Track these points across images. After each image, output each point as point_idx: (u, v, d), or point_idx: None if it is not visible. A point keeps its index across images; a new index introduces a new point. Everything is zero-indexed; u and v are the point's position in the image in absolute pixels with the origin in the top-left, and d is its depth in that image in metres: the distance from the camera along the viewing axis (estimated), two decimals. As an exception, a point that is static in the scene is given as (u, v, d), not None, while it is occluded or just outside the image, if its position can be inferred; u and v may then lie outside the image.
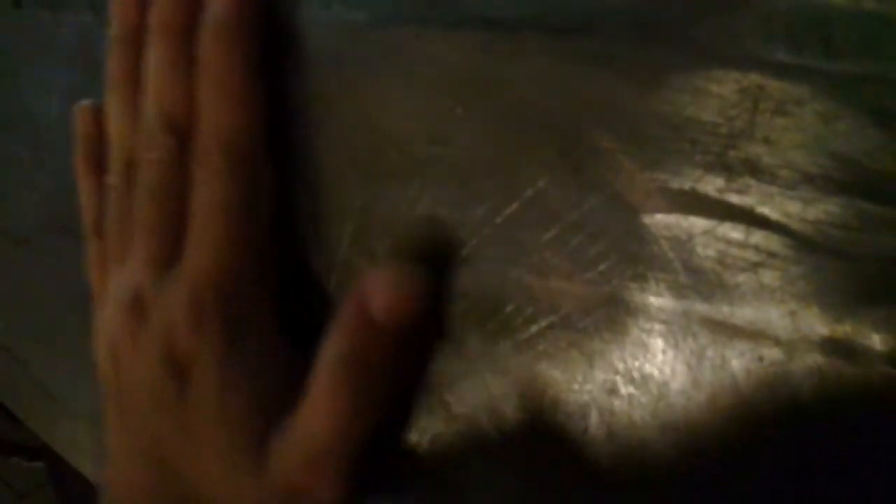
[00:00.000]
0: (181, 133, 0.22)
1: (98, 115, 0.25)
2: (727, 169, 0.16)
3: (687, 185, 0.17)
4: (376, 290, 0.20)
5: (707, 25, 0.16)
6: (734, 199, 0.16)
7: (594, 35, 0.18)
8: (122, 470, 0.23)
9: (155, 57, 0.22)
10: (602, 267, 0.18)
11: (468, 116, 0.20)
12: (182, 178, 0.22)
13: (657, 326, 0.17)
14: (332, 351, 0.20)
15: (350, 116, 0.21)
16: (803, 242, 0.16)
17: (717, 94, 0.16)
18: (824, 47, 0.15)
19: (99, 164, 0.25)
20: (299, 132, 0.22)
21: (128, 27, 0.23)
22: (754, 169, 0.16)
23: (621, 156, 0.18)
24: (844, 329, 0.15)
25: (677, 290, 0.17)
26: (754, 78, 0.16)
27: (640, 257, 0.18)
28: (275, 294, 0.22)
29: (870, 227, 0.15)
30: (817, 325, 0.16)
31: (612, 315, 0.18)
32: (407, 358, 0.21)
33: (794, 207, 0.16)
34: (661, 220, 0.17)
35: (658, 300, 0.17)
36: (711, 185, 0.17)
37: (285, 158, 0.22)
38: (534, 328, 0.19)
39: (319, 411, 0.20)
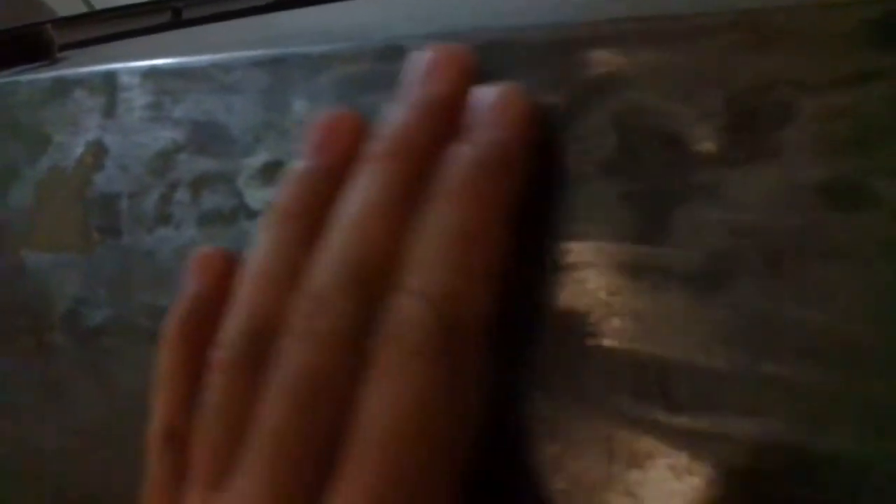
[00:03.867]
0: (371, 295, 0.15)
1: (230, 269, 0.17)
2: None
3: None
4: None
5: (556, 372, 0.16)
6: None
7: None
8: None
9: (363, 191, 0.16)
10: None
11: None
12: (355, 367, 0.15)
13: None
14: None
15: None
16: None
17: (575, 441, 0.16)
18: (665, 401, 0.15)
19: (202, 341, 0.17)
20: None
21: (332, 159, 0.17)
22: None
23: None
24: None
25: None
26: (604, 428, 0.15)
27: None
28: None
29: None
30: None
31: None
32: None
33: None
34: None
35: None
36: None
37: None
38: None
39: None
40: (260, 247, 0.17)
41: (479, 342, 0.15)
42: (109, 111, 0.23)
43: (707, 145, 0.15)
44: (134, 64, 0.23)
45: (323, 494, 0.14)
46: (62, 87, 0.24)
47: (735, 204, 0.15)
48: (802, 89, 0.14)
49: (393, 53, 0.19)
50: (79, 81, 0.24)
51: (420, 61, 0.17)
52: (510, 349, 0.16)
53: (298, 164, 0.17)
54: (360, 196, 0.16)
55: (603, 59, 0.16)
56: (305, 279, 0.15)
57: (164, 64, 0.22)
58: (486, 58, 0.18)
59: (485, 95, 0.16)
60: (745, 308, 0.14)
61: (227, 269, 0.17)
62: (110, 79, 0.23)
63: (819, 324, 0.13)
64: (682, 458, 0.14)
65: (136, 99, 0.22)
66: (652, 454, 0.15)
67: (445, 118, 0.16)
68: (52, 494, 0.24)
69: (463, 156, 0.16)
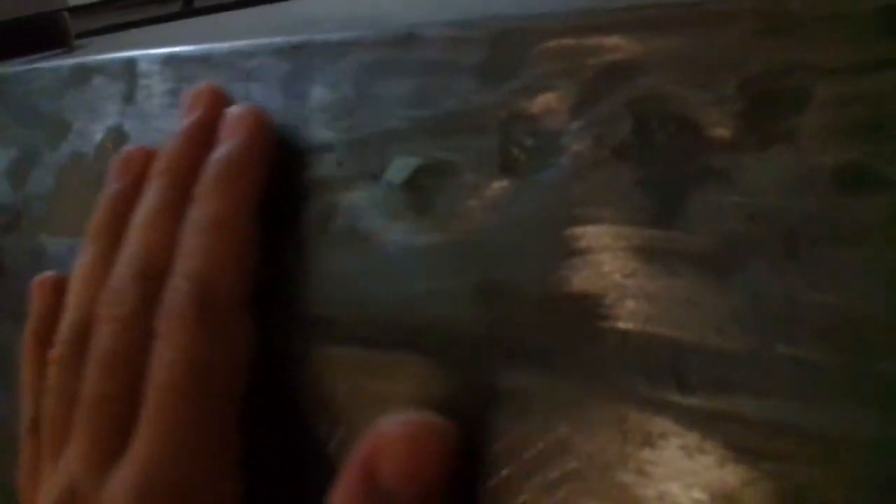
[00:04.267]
0: (154, 282, 0.19)
1: (61, 287, 0.21)
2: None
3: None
4: (385, 448, 0.16)
5: (569, 352, 0.16)
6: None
7: (465, 359, 0.17)
8: None
9: (145, 204, 0.20)
10: None
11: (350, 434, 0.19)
12: (143, 345, 0.18)
13: None
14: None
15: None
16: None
17: (589, 422, 0.16)
18: (678, 382, 0.15)
19: (50, 341, 0.20)
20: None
21: (127, 182, 0.21)
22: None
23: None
24: None
25: None
26: (618, 408, 0.16)
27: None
28: (238, 486, 0.18)
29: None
30: None
31: None
32: None
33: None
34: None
35: None
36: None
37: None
38: None
39: None
40: (79, 262, 0.21)
41: (235, 309, 0.19)
42: (129, 98, 0.23)
43: (722, 130, 0.15)
44: (153, 51, 0.23)
45: (129, 440, 0.18)
46: (82, 74, 0.24)
47: (749, 188, 0.15)
48: (817, 75, 0.14)
49: (410, 40, 0.19)
50: (98, 68, 0.24)
51: (185, 97, 0.21)
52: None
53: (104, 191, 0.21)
54: (143, 207, 0.20)
55: (618, 46, 0.16)
56: (109, 279, 0.20)
57: (183, 51, 0.22)
58: (502, 45, 0.18)
59: (229, 113, 0.20)
60: (759, 291, 0.14)
61: (60, 285, 0.22)
62: (130, 66, 0.23)
63: (832, 306, 0.14)
64: (694, 438, 0.15)
65: (156, 86, 0.23)
66: (665, 434, 0.15)
67: (203, 137, 0.20)
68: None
69: (212, 161, 0.20)
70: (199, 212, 0.19)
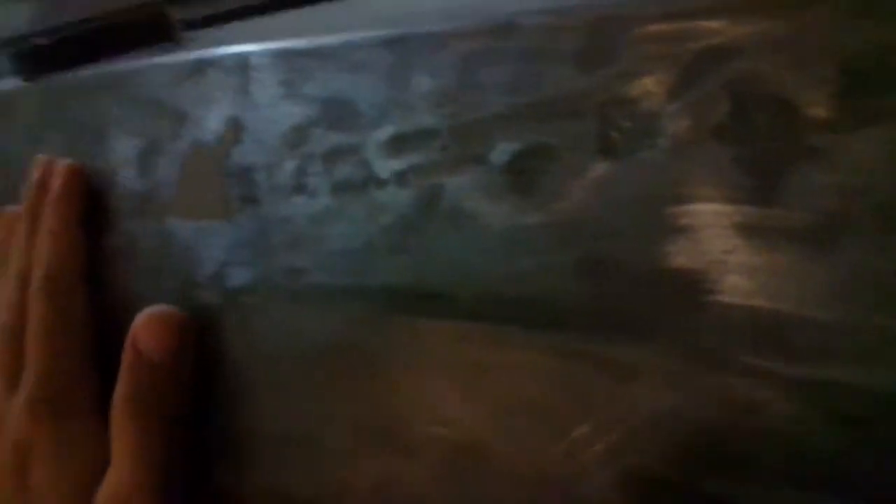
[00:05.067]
0: (25, 280, 0.29)
1: None
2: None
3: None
4: (143, 328, 0.25)
5: (671, 324, 0.17)
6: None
7: (570, 331, 0.19)
8: None
9: (17, 232, 0.30)
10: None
11: (468, 399, 0.21)
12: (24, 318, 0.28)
13: None
14: (117, 395, 0.25)
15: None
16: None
17: (691, 392, 0.17)
18: (781, 352, 0.16)
19: None
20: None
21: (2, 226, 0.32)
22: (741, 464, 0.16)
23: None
24: None
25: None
26: (721, 377, 0.17)
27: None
28: (96, 388, 0.27)
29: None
30: None
31: None
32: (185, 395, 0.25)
33: None
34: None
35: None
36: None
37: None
38: None
39: (117, 456, 0.24)
40: None
41: (75, 285, 0.28)
42: (244, 90, 0.25)
43: (819, 110, 0.16)
44: (265, 46, 0.25)
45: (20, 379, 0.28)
46: (199, 68, 0.26)
47: (847, 166, 0.15)
48: (917, 56, 0.14)
49: (509, 29, 0.20)
50: (214, 62, 0.26)
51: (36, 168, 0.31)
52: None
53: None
54: (14, 239, 0.31)
55: (716, 29, 0.17)
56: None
57: (294, 45, 0.24)
58: (599, 31, 0.19)
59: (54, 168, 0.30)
60: (857, 264, 0.15)
61: None
62: (243, 60, 0.25)
63: (931, 279, 0.14)
64: (797, 406, 0.16)
65: (269, 78, 0.24)
66: (768, 402, 0.16)
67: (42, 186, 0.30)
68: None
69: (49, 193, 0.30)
70: (44, 224, 0.29)
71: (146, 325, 0.25)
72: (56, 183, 0.29)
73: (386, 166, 0.22)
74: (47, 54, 0.33)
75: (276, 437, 0.25)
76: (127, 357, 0.25)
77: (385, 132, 0.22)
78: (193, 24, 0.42)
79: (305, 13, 0.37)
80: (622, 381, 0.18)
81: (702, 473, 0.18)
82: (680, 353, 0.17)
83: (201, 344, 0.26)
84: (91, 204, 0.29)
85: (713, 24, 0.17)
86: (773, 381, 0.16)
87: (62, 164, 0.30)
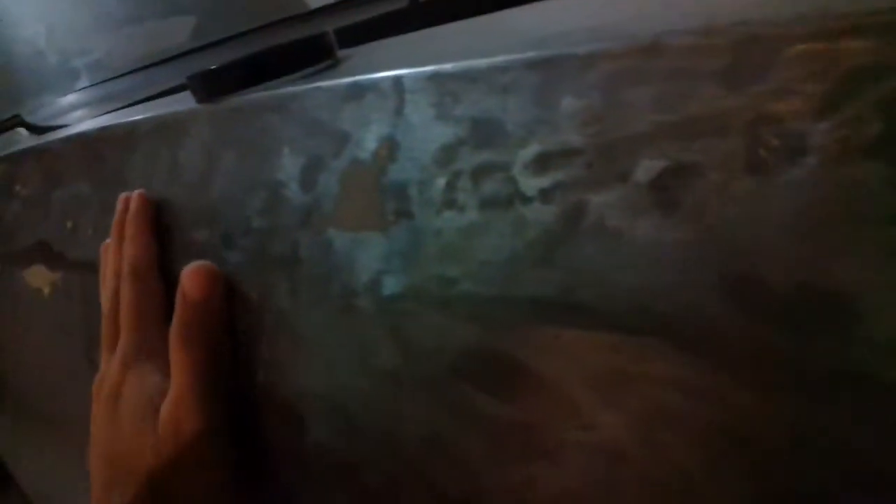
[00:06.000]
0: (117, 276, 0.39)
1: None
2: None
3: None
4: (187, 277, 0.34)
5: (820, 348, 0.17)
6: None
7: (713, 348, 0.19)
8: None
9: (111, 248, 0.41)
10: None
11: (609, 407, 0.21)
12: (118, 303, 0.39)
13: None
14: (171, 331, 0.34)
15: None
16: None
17: (836, 415, 0.17)
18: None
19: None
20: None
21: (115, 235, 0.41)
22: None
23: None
24: None
25: None
26: (871, 403, 0.17)
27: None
28: (166, 341, 0.35)
29: None
30: None
31: None
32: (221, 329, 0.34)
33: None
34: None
35: None
36: None
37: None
38: None
39: (174, 375, 0.33)
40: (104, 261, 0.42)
41: (151, 273, 0.38)
42: (399, 111, 0.27)
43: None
44: (418, 69, 0.26)
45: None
46: (356, 91, 0.28)
47: None
48: None
49: (655, 50, 0.21)
50: (370, 86, 0.28)
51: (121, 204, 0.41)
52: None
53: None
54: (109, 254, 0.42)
55: (867, 48, 0.17)
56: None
57: (444, 69, 0.25)
58: (747, 50, 0.19)
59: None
60: None
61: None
62: (398, 83, 0.27)
63: None
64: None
65: (421, 100, 0.26)
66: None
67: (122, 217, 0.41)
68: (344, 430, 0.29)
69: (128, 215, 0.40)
70: (126, 234, 0.40)
71: (189, 275, 0.34)
72: (133, 205, 0.40)
73: (532, 184, 0.23)
74: (219, 78, 0.37)
75: (424, 438, 0.27)
76: (177, 301, 0.34)
77: (531, 151, 0.23)
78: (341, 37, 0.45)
79: (450, 29, 0.39)
80: (765, 401, 0.18)
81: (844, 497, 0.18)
82: (826, 377, 0.17)
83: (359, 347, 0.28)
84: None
85: (863, 42, 0.17)
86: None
87: (136, 192, 0.40)
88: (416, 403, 0.27)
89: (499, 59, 0.24)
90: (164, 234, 0.39)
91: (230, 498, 0.34)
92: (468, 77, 0.25)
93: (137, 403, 0.35)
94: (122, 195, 0.41)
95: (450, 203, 0.25)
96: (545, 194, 0.23)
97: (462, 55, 0.26)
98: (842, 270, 0.17)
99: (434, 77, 0.26)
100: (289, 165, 0.31)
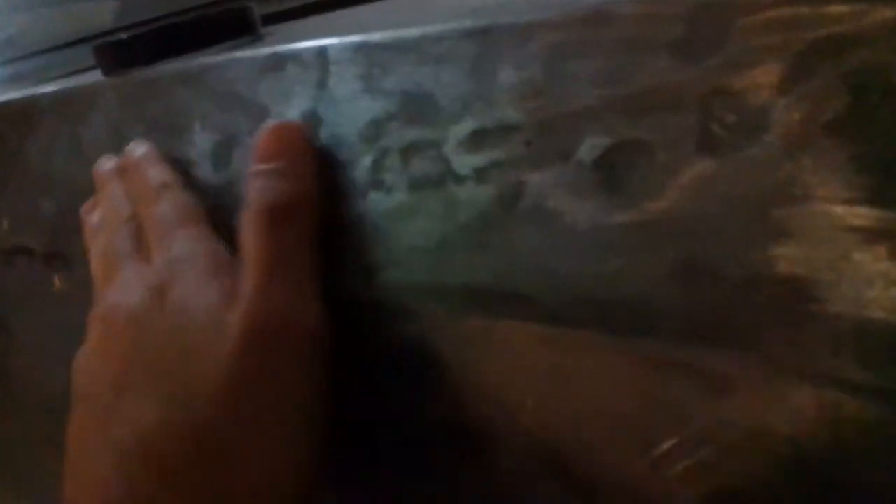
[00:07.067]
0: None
1: None
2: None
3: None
4: (259, 139, 0.26)
5: (775, 337, 0.16)
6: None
7: (659, 338, 0.17)
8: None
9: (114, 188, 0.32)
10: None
11: (538, 407, 0.20)
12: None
13: None
14: (246, 212, 0.25)
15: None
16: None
17: (794, 408, 0.16)
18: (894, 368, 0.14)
19: None
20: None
21: None
22: (843, 489, 0.15)
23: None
24: None
25: None
26: (830, 395, 0.15)
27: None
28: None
29: None
30: None
31: None
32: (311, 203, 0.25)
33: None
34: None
35: None
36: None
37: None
38: None
39: (247, 262, 0.25)
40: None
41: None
42: (322, 83, 0.25)
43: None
44: (343, 39, 0.24)
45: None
46: (277, 62, 0.26)
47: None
48: None
49: (602, 19, 0.19)
50: (292, 57, 0.26)
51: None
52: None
53: None
54: None
55: (835, 17, 0.16)
56: None
57: (373, 38, 0.23)
58: (702, 20, 0.17)
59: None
60: None
61: None
62: (322, 53, 0.25)
63: None
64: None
65: (347, 71, 0.24)
66: (883, 424, 0.14)
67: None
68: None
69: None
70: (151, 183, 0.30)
71: (266, 134, 0.26)
72: (138, 151, 0.31)
73: (465, 162, 0.21)
74: (128, 50, 0.34)
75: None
76: (251, 176, 0.26)
77: (465, 127, 0.21)
78: (274, 19, 0.42)
79: (386, 5, 0.37)
80: (716, 393, 0.17)
81: (796, 497, 0.16)
82: (781, 365, 0.16)
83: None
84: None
85: (835, 10, 0.16)
86: (887, 399, 0.14)
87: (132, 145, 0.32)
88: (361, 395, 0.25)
89: (432, 28, 0.22)
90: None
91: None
92: (399, 48, 0.23)
93: (197, 307, 0.26)
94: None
95: (377, 183, 0.23)
96: (480, 174, 0.21)
97: (393, 25, 0.24)
98: (798, 254, 0.16)
99: (361, 47, 0.24)
100: (201, 142, 0.28)
